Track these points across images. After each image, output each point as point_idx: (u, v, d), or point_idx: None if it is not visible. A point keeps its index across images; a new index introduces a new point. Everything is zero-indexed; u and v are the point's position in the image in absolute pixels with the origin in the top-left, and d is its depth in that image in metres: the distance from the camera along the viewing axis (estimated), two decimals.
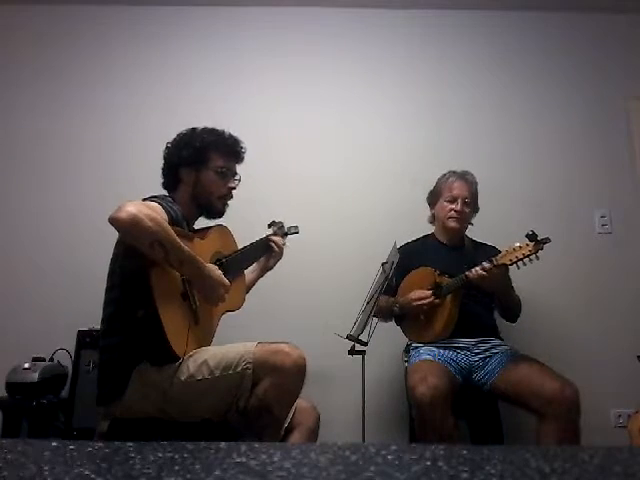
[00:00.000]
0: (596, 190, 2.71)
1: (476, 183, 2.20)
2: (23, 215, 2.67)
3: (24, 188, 2.70)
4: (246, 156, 1.77)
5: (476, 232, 2.29)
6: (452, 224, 2.14)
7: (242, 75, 2.86)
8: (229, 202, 1.72)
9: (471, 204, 2.16)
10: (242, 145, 1.74)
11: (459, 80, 2.86)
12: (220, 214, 1.70)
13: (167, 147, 1.69)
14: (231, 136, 1.71)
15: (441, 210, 2.18)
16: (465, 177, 2.18)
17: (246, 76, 2.86)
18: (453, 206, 2.13)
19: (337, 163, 2.75)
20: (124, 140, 2.76)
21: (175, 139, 1.69)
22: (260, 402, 1.38)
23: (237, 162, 1.74)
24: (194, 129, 1.69)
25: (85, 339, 2.23)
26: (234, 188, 1.71)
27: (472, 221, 2.24)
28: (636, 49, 2.88)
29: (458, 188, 2.14)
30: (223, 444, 0.47)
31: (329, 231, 2.63)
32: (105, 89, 2.83)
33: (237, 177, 1.73)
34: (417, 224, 2.33)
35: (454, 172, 2.21)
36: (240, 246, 1.79)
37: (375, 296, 1.82)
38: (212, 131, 1.69)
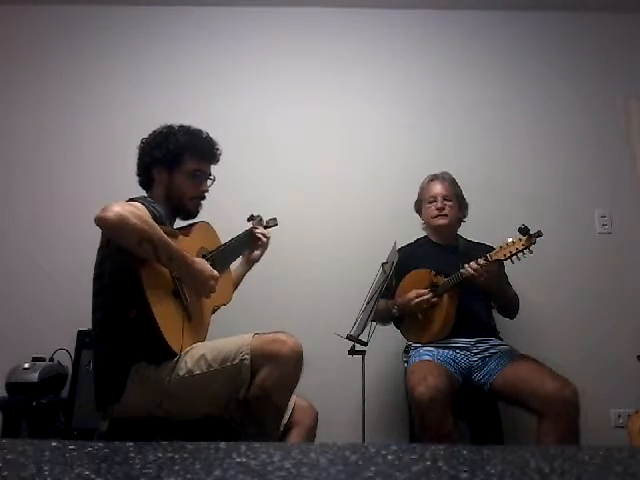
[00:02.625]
0: (596, 190, 2.71)
1: (453, 180, 2.24)
2: (23, 215, 2.67)
3: (24, 188, 2.70)
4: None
5: (476, 232, 2.29)
6: (438, 222, 2.18)
7: (242, 75, 2.86)
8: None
9: (453, 200, 2.19)
10: (217, 147, 1.72)
11: (459, 80, 2.86)
12: (193, 215, 1.70)
13: (142, 143, 1.68)
14: (207, 137, 1.69)
15: (426, 213, 2.24)
16: (439, 176, 2.25)
17: (246, 76, 2.86)
18: (433, 205, 2.18)
19: (337, 163, 2.75)
20: (125, 139, 2.74)
21: (150, 137, 1.67)
22: (260, 391, 1.38)
23: (212, 163, 1.72)
24: (170, 127, 1.67)
25: (85, 339, 2.23)
26: (206, 190, 1.70)
27: (466, 219, 2.26)
28: (636, 49, 2.88)
29: (434, 188, 2.22)
30: (223, 444, 0.47)
31: (329, 231, 2.63)
32: (105, 89, 2.83)
33: (211, 177, 1.72)
34: (417, 224, 2.34)
35: (429, 175, 2.28)
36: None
37: (375, 296, 1.82)
38: (187, 132, 1.66)
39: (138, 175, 1.68)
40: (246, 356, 1.40)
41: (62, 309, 2.45)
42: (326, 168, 2.74)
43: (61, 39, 2.90)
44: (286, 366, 1.40)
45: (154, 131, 1.68)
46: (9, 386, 2.18)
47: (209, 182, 1.71)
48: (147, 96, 2.82)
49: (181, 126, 1.67)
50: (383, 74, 2.88)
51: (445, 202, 2.17)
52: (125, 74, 2.86)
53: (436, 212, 2.17)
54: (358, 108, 2.84)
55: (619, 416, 2.39)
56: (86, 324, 2.20)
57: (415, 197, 2.33)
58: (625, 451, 0.47)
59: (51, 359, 2.32)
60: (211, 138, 1.71)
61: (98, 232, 1.45)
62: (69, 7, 2.91)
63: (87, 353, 2.20)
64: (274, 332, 1.47)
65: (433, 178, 2.25)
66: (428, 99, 2.84)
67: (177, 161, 1.62)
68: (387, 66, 2.89)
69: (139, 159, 1.68)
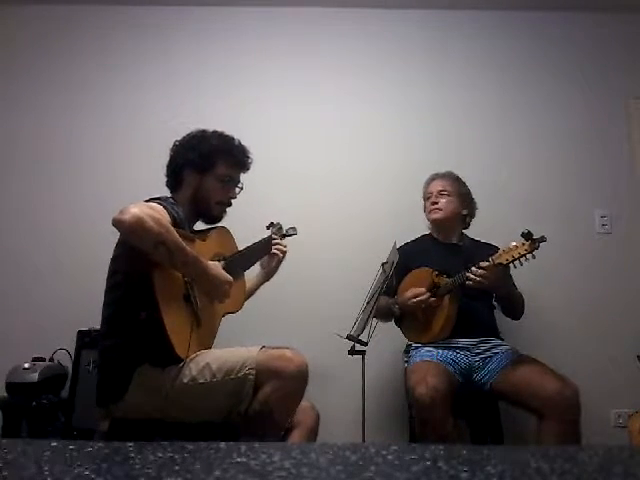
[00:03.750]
0: (596, 190, 2.71)
1: (455, 177, 2.25)
2: (23, 215, 2.66)
3: (24, 188, 2.70)
4: None
5: (476, 232, 2.29)
6: (433, 216, 2.21)
7: (242, 75, 2.86)
8: (227, 209, 1.72)
9: (452, 195, 2.19)
10: (249, 155, 1.74)
11: (459, 80, 2.86)
12: (216, 220, 1.71)
13: (175, 145, 1.69)
14: (240, 145, 1.71)
15: (426, 210, 2.26)
16: (440, 174, 2.27)
17: (246, 76, 2.86)
18: (429, 201, 2.23)
19: (337, 163, 2.75)
20: (125, 140, 2.76)
21: (184, 139, 1.69)
22: (262, 407, 1.38)
23: (242, 171, 1.74)
24: (204, 132, 1.69)
25: (85, 339, 2.23)
26: (234, 197, 1.72)
27: (471, 217, 2.25)
28: (636, 49, 2.88)
29: (431, 185, 2.25)
30: (223, 444, 0.47)
31: (329, 231, 2.63)
32: (105, 89, 2.83)
33: (240, 185, 1.74)
34: (417, 224, 2.34)
35: (432, 174, 2.30)
36: (240, 247, 1.79)
37: (375, 296, 1.82)
38: (221, 137, 1.68)
39: (167, 175, 1.69)
40: (251, 370, 1.40)
41: (62, 309, 2.45)
42: (326, 168, 2.74)
43: (61, 39, 2.90)
44: (290, 385, 1.40)
45: (188, 134, 1.70)
46: (9, 386, 2.18)
47: (237, 190, 1.73)
48: (147, 96, 2.82)
49: (215, 131, 1.69)
50: (383, 74, 2.88)
51: (439, 197, 2.19)
52: (125, 74, 2.86)
53: (431, 206, 2.20)
54: (358, 108, 2.83)
55: (619, 416, 2.39)
56: (86, 324, 2.22)
57: (415, 197, 2.34)
58: (625, 451, 0.47)
59: (51, 359, 2.32)
60: (244, 146, 1.72)
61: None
62: (69, 7, 2.90)
63: (87, 353, 2.21)
64: (281, 347, 1.47)
65: (436, 175, 2.27)
66: (428, 99, 2.84)
67: (209, 164, 1.64)
68: (387, 66, 2.89)
69: (170, 160, 1.69)
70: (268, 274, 1.92)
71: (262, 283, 1.93)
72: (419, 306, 2.02)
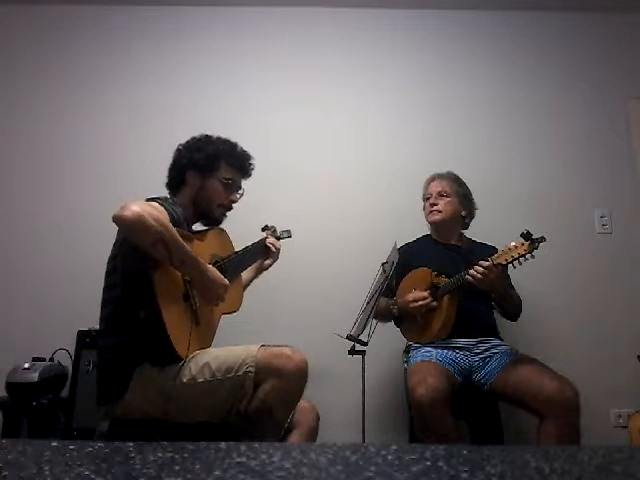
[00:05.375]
0: (596, 190, 2.71)
1: (455, 178, 2.25)
2: (23, 215, 2.67)
3: (24, 188, 2.70)
4: None
5: (476, 232, 2.29)
6: (431, 218, 2.21)
7: (242, 75, 2.86)
8: (227, 213, 1.74)
9: (451, 197, 2.19)
10: (252, 161, 1.77)
11: (459, 80, 2.86)
12: (217, 222, 1.73)
13: (179, 148, 1.72)
14: (243, 150, 1.75)
15: (425, 211, 2.26)
16: (439, 175, 2.26)
17: (246, 76, 2.86)
18: (428, 202, 2.23)
19: (337, 163, 2.75)
20: (124, 140, 2.76)
21: (188, 142, 1.71)
22: (261, 405, 1.38)
23: (244, 177, 1.76)
24: (209, 136, 1.71)
25: (85, 339, 2.23)
26: (235, 201, 1.74)
27: (471, 218, 2.25)
28: (636, 49, 2.88)
29: (431, 186, 2.25)
30: (223, 444, 0.47)
31: (329, 231, 2.64)
32: (105, 89, 2.83)
33: (240, 191, 1.76)
34: (417, 224, 2.33)
35: (432, 174, 2.30)
36: (238, 248, 1.80)
37: (375, 296, 1.82)
38: (226, 142, 1.72)
39: (169, 177, 1.71)
40: (250, 369, 1.40)
41: (62, 309, 2.45)
42: (326, 168, 2.74)
43: (61, 39, 2.90)
44: (290, 383, 1.40)
45: (193, 137, 1.73)
46: (9, 386, 2.17)
47: (238, 195, 1.75)
48: (147, 96, 2.82)
49: (219, 137, 1.73)
50: (383, 74, 2.88)
51: (439, 199, 2.18)
52: (125, 74, 2.86)
53: (430, 207, 2.20)
54: (358, 108, 2.84)
55: (619, 416, 2.39)
56: (86, 324, 2.22)
57: (415, 197, 2.34)
58: (625, 451, 0.47)
59: (51, 359, 2.31)
60: (246, 152, 1.76)
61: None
62: (69, 7, 2.91)
63: (87, 353, 2.21)
64: (280, 346, 1.47)
65: (435, 176, 2.27)
66: (428, 99, 2.84)
67: (213, 167, 1.66)
68: (387, 66, 2.89)
69: (174, 161, 1.71)
70: (258, 271, 1.95)
71: (252, 279, 1.95)
72: (420, 310, 2.02)
